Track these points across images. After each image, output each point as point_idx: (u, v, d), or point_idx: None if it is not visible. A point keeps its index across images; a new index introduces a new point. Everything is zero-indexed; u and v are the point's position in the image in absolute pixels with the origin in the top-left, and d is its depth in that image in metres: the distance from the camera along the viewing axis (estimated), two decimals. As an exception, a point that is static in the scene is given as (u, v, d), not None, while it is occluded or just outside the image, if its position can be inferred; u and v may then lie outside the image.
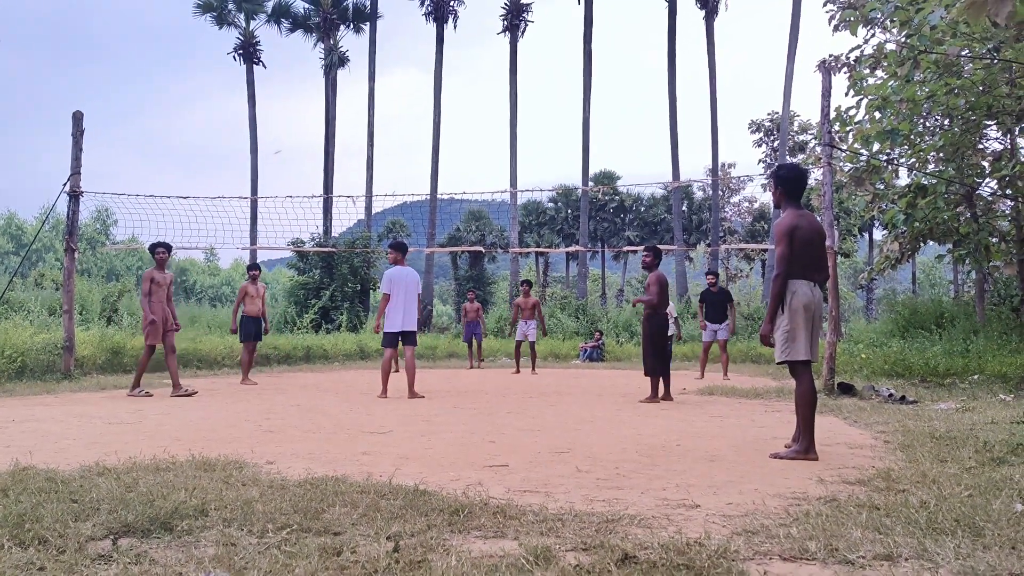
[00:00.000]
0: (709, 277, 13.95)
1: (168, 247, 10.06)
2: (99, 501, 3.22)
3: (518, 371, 15.19)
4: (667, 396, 9.30)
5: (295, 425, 6.52)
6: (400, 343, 9.72)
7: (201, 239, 22.02)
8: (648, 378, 9.24)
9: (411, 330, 9.59)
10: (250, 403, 8.59)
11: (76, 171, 11.65)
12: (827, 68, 11.50)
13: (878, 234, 44.74)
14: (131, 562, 2.48)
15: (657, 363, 9.15)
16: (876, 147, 12.22)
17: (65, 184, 11.66)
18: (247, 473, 4.03)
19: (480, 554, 2.62)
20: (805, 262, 4.96)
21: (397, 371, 14.16)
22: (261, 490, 3.53)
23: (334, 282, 28.21)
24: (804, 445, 4.86)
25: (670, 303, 16.17)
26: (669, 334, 15.93)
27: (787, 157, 36.52)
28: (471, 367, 17.46)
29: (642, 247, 9.93)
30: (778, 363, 5.09)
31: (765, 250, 27.63)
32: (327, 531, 2.87)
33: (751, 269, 46.96)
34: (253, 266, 12.73)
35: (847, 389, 9.44)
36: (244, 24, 37.90)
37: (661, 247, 9.63)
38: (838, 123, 11.91)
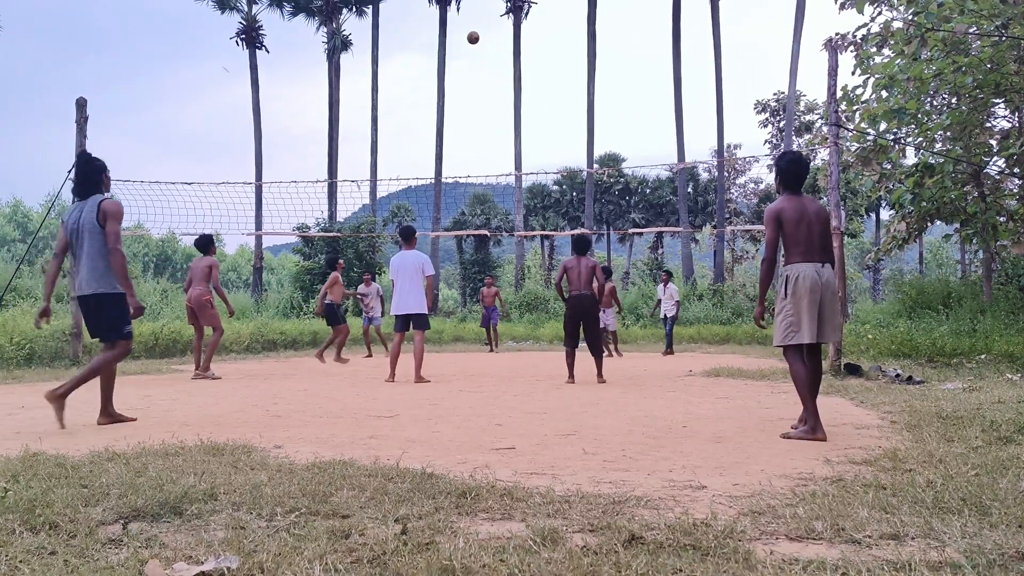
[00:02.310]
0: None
1: None
2: (109, 486, 3.24)
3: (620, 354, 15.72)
4: (599, 377, 9.43)
5: (302, 410, 6.55)
6: (412, 327, 9.71)
7: (206, 225, 22.10)
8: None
9: (416, 313, 9.51)
10: (257, 388, 8.63)
11: (81, 158, 11.65)
12: (833, 47, 11.39)
13: (885, 214, 44.58)
14: (141, 546, 2.50)
15: (568, 345, 9.60)
16: (883, 126, 12.14)
17: (70, 171, 11.67)
18: (255, 457, 4.05)
19: (488, 536, 2.63)
20: (804, 244, 4.95)
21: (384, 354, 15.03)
22: (269, 474, 3.55)
23: (339, 267, 28.23)
24: (811, 424, 4.86)
25: (671, 286, 16.20)
26: (669, 315, 16.02)
27: (793, 137, 36.33)
28: (491, 350, 17.62)
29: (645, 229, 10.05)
30: (776, 346, 5.10)
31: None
32: (335, 514, 2.89)
33: (757, 251, 46.83)
34: (337, 259, 14.56)
35: (854, 370, 9.43)
36: (246, 8, 37.74)
37: (666, 230, 9.75)
38: (845, 102, 11.83)
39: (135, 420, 5.81)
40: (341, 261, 14.47)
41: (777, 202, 5.12)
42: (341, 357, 13.71)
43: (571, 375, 9.38)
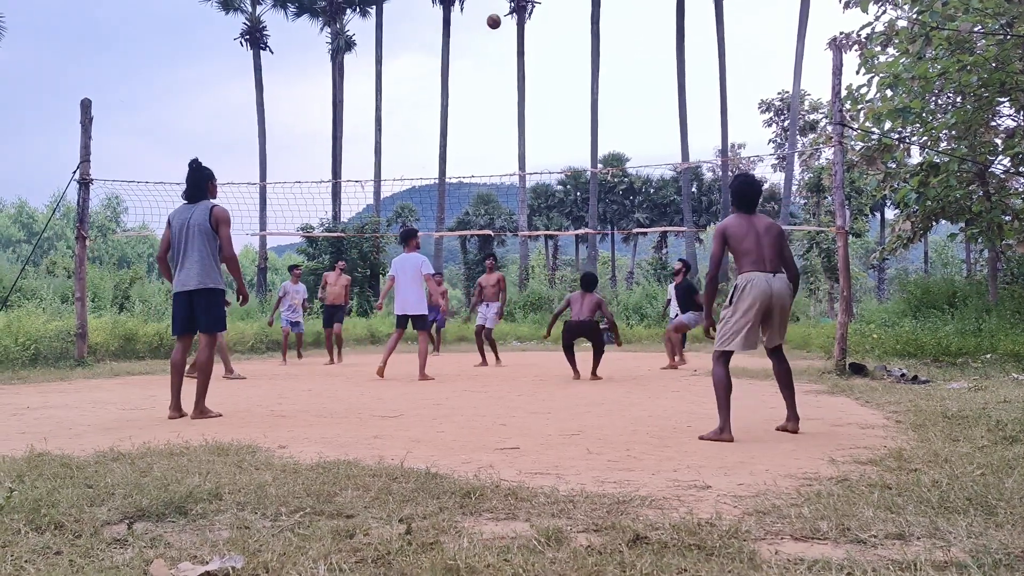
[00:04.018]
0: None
1: None
2: (114, 486, 3.25)
3: (483, 362, 12.88)
4: (592, 373, 9.76)
5: (307, 410, 6.56)
6: (413, 327, 10.06)
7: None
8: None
9: (414, 314, 9.83)
10: (262, 388, 8.64)
11: (85, 159, 11.67)
12: (838, 46, 11.37)
13: (890, 213, 44.50)
14: (146, 546, 2.51)
15: (566, 351, 10.10)
16: (888, 125, 12.10)
17: (75, 172, 11.69)
18: (260, 457, 4.05)
19: (492, 536, 2.63)
20: (754, 254, 5.05)
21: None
22: (274, 474, 3.56)
23: (344, 267, 28.22)
24: (720, 425, 4.90)
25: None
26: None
27: (797, 137, 36.28)
28: (436, 352, 16.18)
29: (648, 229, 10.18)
30: (715, 350, 5.14)
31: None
32: (340, 514, 2.89)
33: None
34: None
35: (859, 369, 9.41)
36: (251, 9, 37.81)
37: (670, 229, 10.01)
38: (849, 101, 11.79)
39: (221, 416, 6.10)
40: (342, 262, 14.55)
41: (723, 221, 5.30)
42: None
43: (575, 372, 9.86)
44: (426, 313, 9.86)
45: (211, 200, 6.22)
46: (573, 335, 10.04)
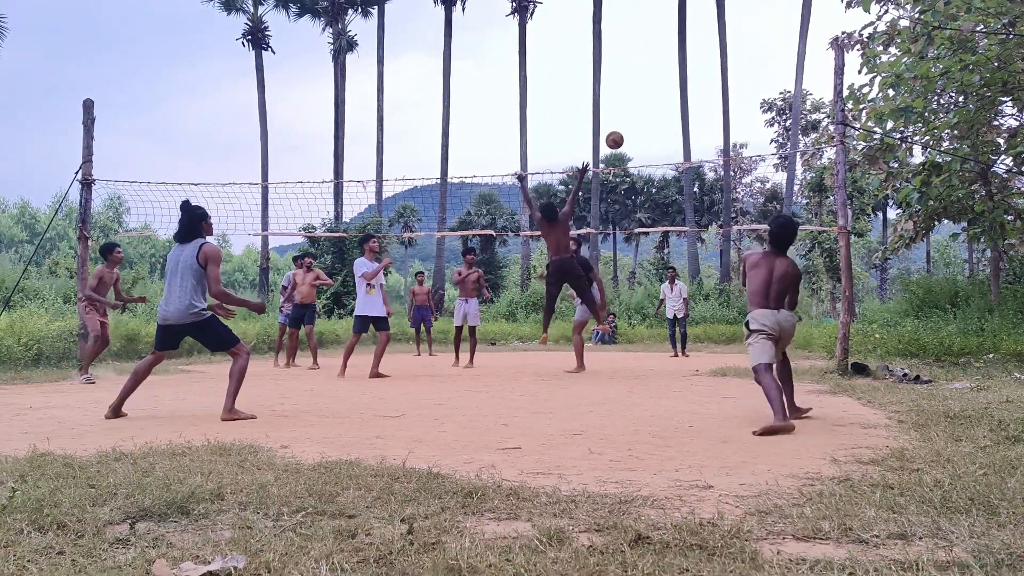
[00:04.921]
0: None
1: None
2: (116, 486, 3.25)
3: (457, 362, 12.78)
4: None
5: (308, 409, 6.57)
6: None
7: (213, 226, 22.03)
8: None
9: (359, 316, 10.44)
10: (264, 388, 8.65)
11: (88, 159, 11.67)
12: (840, 45, 11.37)
13: (892, 213, 44.44)
14: (149, 546, 2.51)
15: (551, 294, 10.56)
16: (890, 125, 12.10)
17: (77, 172, 11.70)
18: (262, 457, 4.06)
19: (494, 535, 2.63)
20: (760, 296, 5.55)
21: (419, 355, 15.16)
22: (276, 474, 3.56)
23: (346, 267, 28.26)
24: (782, 415, 5.22)
25: (680, 284, 16.10)
26: (679, 315, 15.89)
27: (799, 136, 36.26)
28: (417, 354, 16.16)
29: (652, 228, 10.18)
30: (755, 364, 5.58)
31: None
32: (342, 514, 2.89)
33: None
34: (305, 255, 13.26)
35: (861, 369, 9.40)
36: (252, 9, 37.83)
37: (672, 229, 10.04)
38: (851, 101, 11.79)
39: (255, 418, 6.04)
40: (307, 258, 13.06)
41: (752, 253, 5.80)
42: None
43: (545, 330, 10.80)
44: (361, 315, 10.22)
45: (205, 238, 6.27)
46: (558, 277, 10.08)
